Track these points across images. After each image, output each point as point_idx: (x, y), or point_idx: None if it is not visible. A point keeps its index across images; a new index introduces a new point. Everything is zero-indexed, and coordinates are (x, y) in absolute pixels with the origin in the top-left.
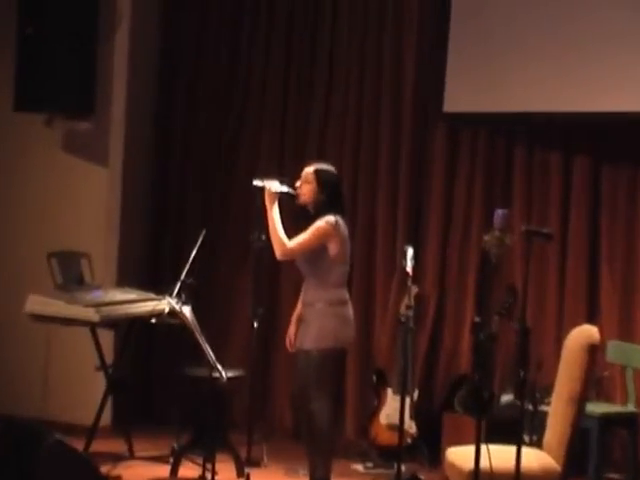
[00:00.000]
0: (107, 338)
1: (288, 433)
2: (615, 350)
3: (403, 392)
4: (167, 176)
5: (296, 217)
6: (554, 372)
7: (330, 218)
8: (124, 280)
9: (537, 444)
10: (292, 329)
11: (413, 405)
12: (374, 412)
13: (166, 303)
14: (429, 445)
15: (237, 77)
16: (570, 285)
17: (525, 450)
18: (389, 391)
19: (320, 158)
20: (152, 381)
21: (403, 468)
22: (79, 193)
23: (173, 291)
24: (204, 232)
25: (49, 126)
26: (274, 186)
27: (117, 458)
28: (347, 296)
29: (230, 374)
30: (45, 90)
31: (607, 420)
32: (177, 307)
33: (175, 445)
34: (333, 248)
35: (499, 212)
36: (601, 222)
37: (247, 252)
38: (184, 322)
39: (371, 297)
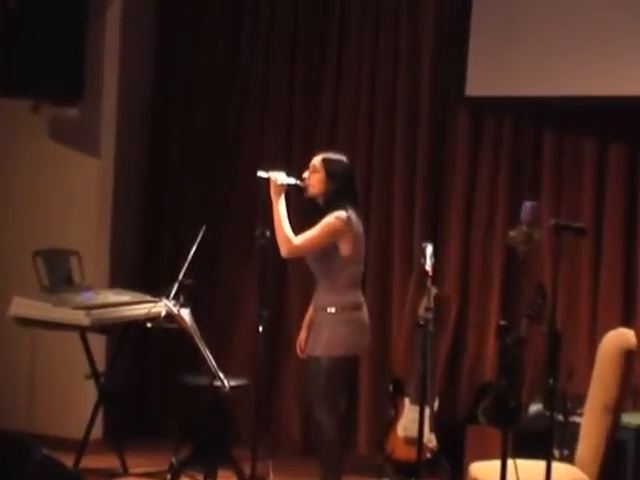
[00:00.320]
0: (98, 344)
1: (296, 448)
2: None
3: (422, 402)
4: (164, 168)
5: (307, 213)
6: (587, 380)
7: (341, 213)
8: (117, 280)
9: (568, 458)
10: (303, 334)
11: (433, 416)
12: (390, 424)
13: (163, 305)
14: (450, 460)
15: (240, 64)
16: (604, 285)
17: (555, 465)
18: (406, 401)
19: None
20: (148, 391)
21: None
22: (68, 186)
23: (170, 292)
24: (204, 228)
25: (35, 113)
26: (280, 178)
27: (109, 474)
28: (362, 299)
29: (233, 383)
30: (30, 73)
31: None
32: (175, 310)
33: (173, 460)
34: (345, 246)
35: (527, 205)
36: (638, 216)
37: (251, 249)
38: (182, 326)
39: (387, 299)
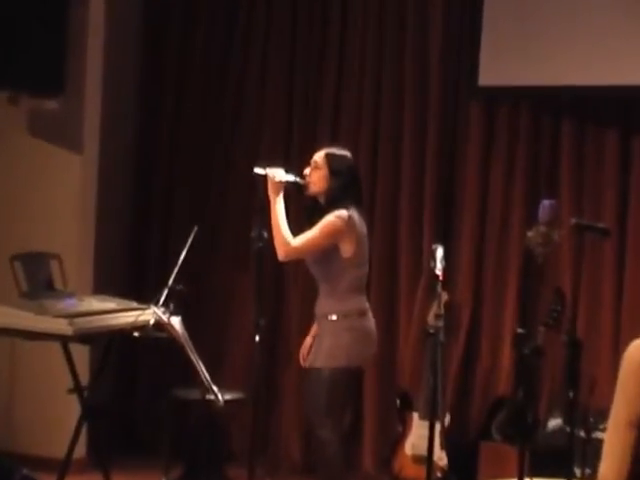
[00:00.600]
0: (82, 355)
1: (296, 467)
2: None
3: (432, 417)
4: (152, 165)
5: (308, 213)
6: (610, 392)
7: (342, 212)
8: (102, 286)
9: (590, 478)
10: (308, 341)
11: (444, 432)
12: (397, 441)
13: (151, 313)
14: (463, 479)
15: (235, 54)
16: (629, 290)
17: None
18: (415, 416)
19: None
20: (135, 405)
21: None
22: (48, 183)
23: (160, 299)
24: (196, 230)
25: (13, 105)
26: (278, 174)
27: None
28: (366, 305)
29: (228, 397)
30: (7, 62)
31: None
32: (164, 318)
33: None
34: (346, 247)
35: (545, 203)
36: None
37: (247, 252)
38: (173, 336)
39: (393, 305)
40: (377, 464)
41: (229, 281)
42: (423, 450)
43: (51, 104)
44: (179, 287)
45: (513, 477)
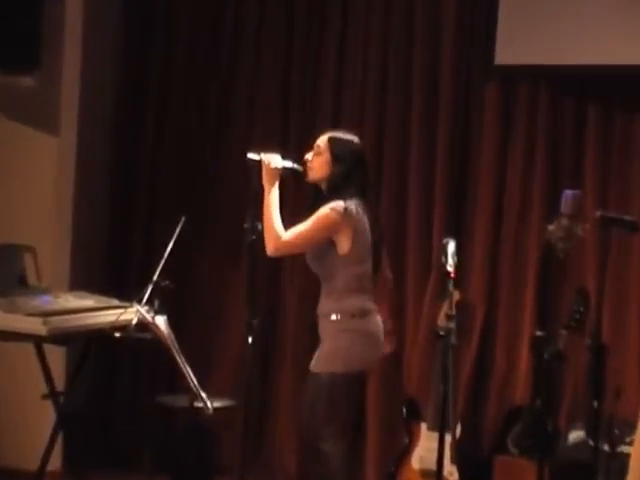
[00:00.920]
0: (57, 357)
1: None
2: None
3: (442, 428)
4: (136, 149)
5: (312, 203)
6: (637, 402)
7: (338, 204)
8: (79, 282)
9: None
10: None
11: (454, 445)
12: (404, 454)
13: (134, 312)
14: None
15: (227, 26)
16: None
17: None
18: (423, 427)
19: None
20: (116, 413)
21: None
22: (21, 168)
23: (143, 296)
24: (183, 220)
25: None
26: (274, 160)
27: None
28: (370, 305)
29: (217, 404)
30: None
31: None
32: (148, 317)
33: None
34: (343, 243)
35: (568, 194)
36: None
37: (239, 246)
38: (157, 336)
39: (400, 305)
40: (381, 478)
41: (219, 277)
42: (432, 464)
43: (26, 81)
44: (165, 283)
45: None
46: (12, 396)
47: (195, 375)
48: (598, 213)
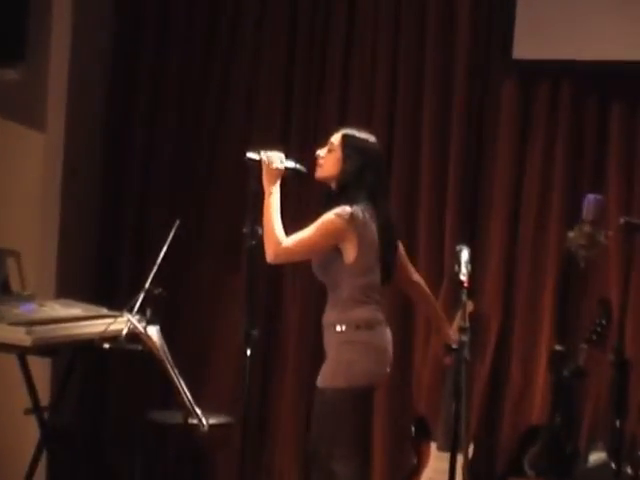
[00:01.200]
0: (42, 369)
1: None
2: None
3: (453, 448)
4: (126, 146)
5: (324, 203)
6: None
7: (344, 209)
8: (66, 289)
9: None
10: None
11: (467, 466)
12: (412, 475)
13: (124, 322)
14: None
15: (226, 13)
16: None
17: None
18: (433, 447)
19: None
20: (104, 430)
21: None
22: (5, 166)
23: (134, 305)
24: (178, 224)
25: None
26: (276, 160)
27: None
28: (377, 315)
29: (213, 421)
30: None
31: None
32: (140, 327)
33: None
34: (349, 252)
35: (590, 198)
36: None
37: (238, 252)
38: (149, 348)
39: (408, 316)
40: None
41: (216, 284)
42: None
43: (10, 74)
44: (157, 291)
45: None
46: None
47: (189, 390)
48: (622, 219)
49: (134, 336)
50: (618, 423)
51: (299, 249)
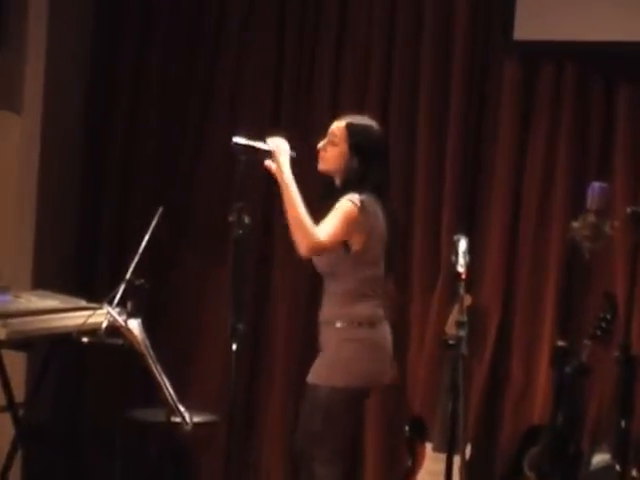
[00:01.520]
0: (17, 364)
1: None
2: None
3: (450, 449)
4: (108, 130)
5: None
6: None
7: (354, 196)
8: (43, 280)
9: None
10: None
11: (464, 468)
12: (406, 477)
13: (104, 314)
14: None
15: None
16: None
17: None
18: (428, 447)
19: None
20: (82, 427)
21: None
22: None
23: (114, 297)
24: (160, 211)
25: None
26: (283, 147)
27: None
28: (379, 312)
29: (197, 419)
30: None
31: None
32: (120, 320)
33: None
34: (356, 240)
35: (595, 187)
36: None
37: (223, 241)
38: (130, 342)
39: (404, 309)
40: None
41: (201, 275)
42: None
43: None
44: (139, 282)
45: None
46: None
47: (173, 386)
48: (629, 209)
49: (114, 329)
50: (623, 423)
51: (331, 244)
